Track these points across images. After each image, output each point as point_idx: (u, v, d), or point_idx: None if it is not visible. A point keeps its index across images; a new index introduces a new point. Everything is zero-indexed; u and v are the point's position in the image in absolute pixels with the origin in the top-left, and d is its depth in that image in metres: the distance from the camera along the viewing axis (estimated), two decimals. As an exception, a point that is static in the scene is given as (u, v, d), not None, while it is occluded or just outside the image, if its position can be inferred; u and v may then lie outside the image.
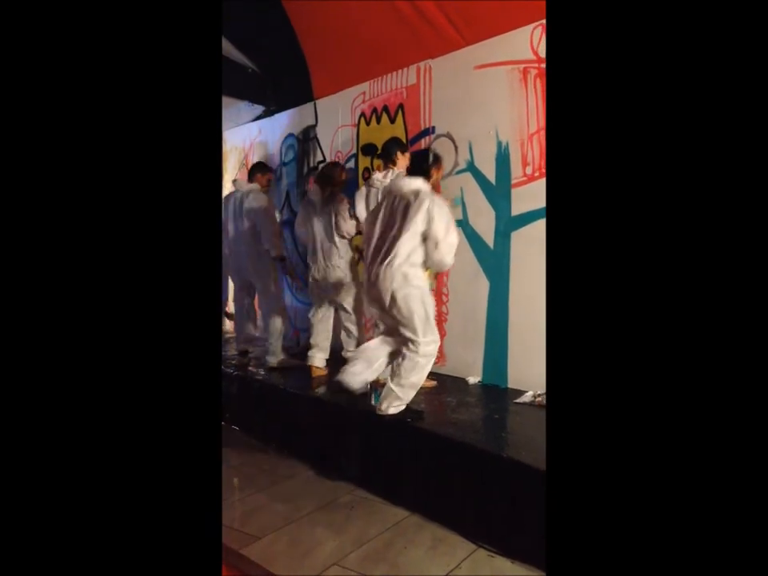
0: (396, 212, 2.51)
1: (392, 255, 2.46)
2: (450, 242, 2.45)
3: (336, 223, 3.42)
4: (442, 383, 3.21)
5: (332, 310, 3.64)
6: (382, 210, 2.59)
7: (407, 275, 2.47)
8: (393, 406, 2.55)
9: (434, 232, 2.41)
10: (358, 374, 2.63)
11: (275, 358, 3.79)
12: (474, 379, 3.26)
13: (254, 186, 3.75)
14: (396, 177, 3.10)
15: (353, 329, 3.54)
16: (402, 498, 2.47)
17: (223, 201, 3.89)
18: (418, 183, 2.55)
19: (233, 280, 3.93)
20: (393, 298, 2.48)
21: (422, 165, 2.67)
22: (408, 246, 2.45)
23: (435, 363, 2.77)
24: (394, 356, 2.65)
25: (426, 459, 2.44)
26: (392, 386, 2.57)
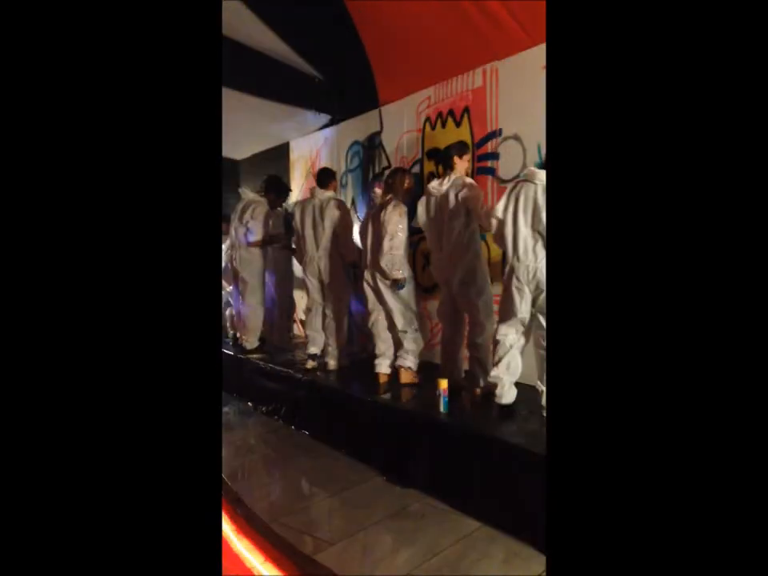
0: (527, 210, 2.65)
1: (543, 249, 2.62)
2: None
3: (382, 234, 3.22)
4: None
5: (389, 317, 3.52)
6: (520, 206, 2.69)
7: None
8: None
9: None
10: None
11: (334, 360, 3.89)
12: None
13: (331, 193, 3.87)
14: (456, 180, 3.06)
15: (410, 344, 3.40)
16: (472, 507, 2.44)
17: (300, 207, 3.96)
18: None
19: (309, 284, 3.97)
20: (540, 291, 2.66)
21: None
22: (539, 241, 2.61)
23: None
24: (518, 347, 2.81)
25: (497, 469, 2.39)
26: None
